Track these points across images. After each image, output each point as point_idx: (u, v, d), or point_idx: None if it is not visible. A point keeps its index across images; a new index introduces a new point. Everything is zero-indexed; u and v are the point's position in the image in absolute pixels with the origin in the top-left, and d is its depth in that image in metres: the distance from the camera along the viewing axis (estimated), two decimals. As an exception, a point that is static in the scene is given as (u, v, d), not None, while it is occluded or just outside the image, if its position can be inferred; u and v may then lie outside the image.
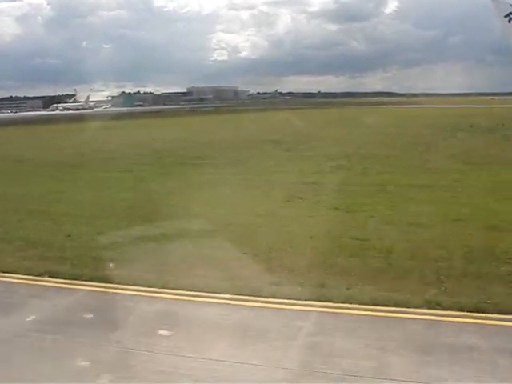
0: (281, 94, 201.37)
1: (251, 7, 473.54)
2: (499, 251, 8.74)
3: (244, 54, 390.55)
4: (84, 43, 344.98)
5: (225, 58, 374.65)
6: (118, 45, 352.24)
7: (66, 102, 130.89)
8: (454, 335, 6.09)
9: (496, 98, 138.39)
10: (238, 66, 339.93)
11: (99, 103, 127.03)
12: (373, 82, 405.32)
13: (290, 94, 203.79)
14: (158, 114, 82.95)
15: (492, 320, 6.41)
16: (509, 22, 7.99)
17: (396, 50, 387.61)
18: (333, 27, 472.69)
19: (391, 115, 60.96)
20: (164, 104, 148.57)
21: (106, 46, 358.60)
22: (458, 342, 5.93)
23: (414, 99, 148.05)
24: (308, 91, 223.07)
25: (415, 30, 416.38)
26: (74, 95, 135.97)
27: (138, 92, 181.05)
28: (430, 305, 6.79)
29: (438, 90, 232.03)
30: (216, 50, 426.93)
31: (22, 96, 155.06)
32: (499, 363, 5.44)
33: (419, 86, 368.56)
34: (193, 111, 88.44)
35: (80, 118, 67.43)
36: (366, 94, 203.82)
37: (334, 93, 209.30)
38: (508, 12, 8.00)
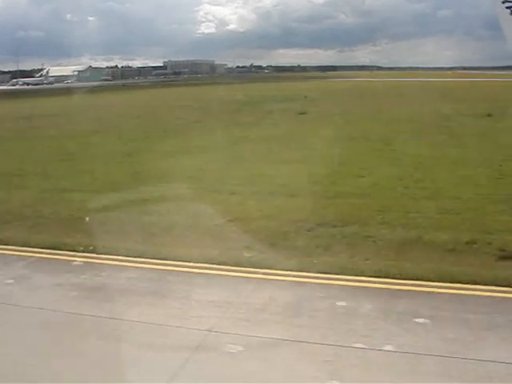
0: (260, 67, 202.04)
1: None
2: None
3: (232, 26, 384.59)
4: (68, 16, 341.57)
5: (212, 30, 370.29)
6: (103, 17, 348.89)
7: (33, 77, 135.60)
8: None
9: (459, 71, 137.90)
10: (226, 39, 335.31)
11: (62, 78, 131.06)
12: (362, 56, 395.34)
13: (269, 67, 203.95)
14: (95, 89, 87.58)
15: None
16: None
17: (385, 23, 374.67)
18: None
19: (278, 88, 63.68)
20: (133, 78, 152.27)
21: (91, 19, 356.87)
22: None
23: (377, 72, 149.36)
24: (292, 64, 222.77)
25: (404, 2, 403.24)
26: (41, 69, 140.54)
27: (116, 66, 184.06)
28: None
29: (427, 63, 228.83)
30: (203, 22, 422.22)
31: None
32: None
33: (409, 60, 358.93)
34: (123, 86, 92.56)
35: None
36: (350, 68, 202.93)
37: (317, 66, 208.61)
38: None
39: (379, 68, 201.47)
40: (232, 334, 5.91)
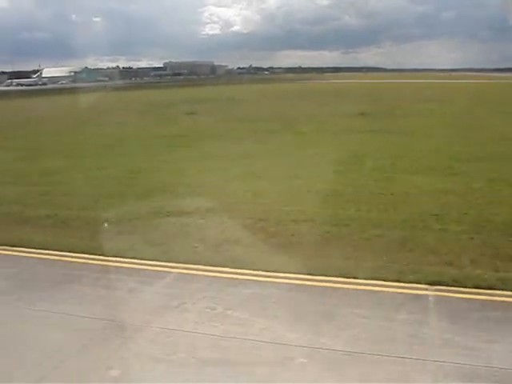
0: (260, 68, 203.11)
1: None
2: None
3: (236, 28, 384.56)
4: (74, 17, 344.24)
5: (216, 31, 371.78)
6: (109, 19, 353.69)
7: (29, 78, 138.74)
8: None
9: (453, 73, 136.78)
10: (231, 40, 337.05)
11: (56, 79, 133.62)
12: (367, 58, 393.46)
13: (269, 68, 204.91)
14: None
15: None
16: None
17: (389, 25, 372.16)
18: (324, 1, 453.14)
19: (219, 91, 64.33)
20: (130, 79, 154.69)
21: (97, 20, 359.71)
22: None
23: (371, 74, 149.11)
24: (296, 66, 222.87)
25: (408, 4, 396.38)
26: (38, 70, 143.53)
27: (117, 67, 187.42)
28: None
29: (431, 65, 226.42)
30: (208, 24, 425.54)
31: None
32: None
33: (413, 62, 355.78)
34: (105, 87, 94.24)
35: None
36: (352, 69, 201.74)
37: (319, 67, 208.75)
38: None
39: (379, 70, 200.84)
40: None
